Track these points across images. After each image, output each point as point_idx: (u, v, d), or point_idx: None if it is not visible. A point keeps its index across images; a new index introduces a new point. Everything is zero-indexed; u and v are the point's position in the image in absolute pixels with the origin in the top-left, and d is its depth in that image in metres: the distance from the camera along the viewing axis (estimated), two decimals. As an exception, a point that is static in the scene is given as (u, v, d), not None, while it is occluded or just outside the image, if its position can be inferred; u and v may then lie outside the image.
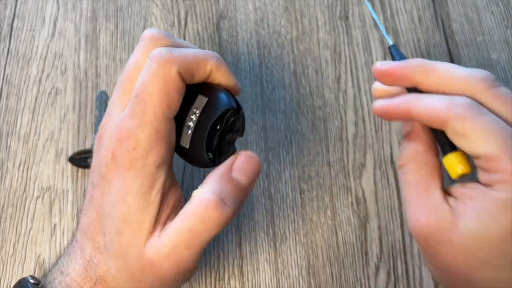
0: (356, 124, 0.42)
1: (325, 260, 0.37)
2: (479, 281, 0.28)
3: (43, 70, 0.44)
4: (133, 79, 0.29)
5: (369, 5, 0.37)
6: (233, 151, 0.30)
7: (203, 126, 0.29)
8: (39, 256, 0.37)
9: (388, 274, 0.37)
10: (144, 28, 0.45)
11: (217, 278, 0.37)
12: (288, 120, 0.42)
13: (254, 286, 0.37)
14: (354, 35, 0.45)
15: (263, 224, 0.39)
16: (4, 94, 0.43)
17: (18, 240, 0.38)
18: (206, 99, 0.29)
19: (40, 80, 0.43)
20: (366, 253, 0.38)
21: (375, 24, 0.45)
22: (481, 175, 0.28)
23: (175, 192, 0.29)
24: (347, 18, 0.46)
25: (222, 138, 0.29)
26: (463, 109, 0.27)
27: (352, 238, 0.38)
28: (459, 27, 0.45)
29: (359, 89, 0.43)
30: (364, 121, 0.42)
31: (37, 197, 0.39)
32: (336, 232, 0.38)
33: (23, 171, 0.40)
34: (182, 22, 0.46)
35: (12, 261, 0.37)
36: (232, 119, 0.30)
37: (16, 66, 0.44)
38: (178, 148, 0.30)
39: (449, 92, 0.28)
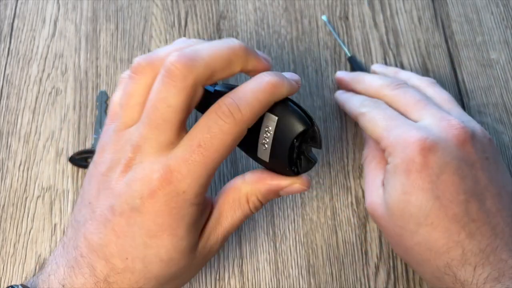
0: (356, 124, 0.42)
1: (325, 260, 0.38)
2: (409, 249, 0.33)
3: (43, 70, 0.44)
4: (167, 119, 0.28)
5: (325, 18, 0.46)
6: (315, 161, 0.29)
7: (281, 147, 0.28)
8: (40, 255, 0.37)
9: (388, 274, 0.37)
10: (144, 29, 0.45)
11: (217, 277, 0.37)
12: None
13: (254, 286, 0.37)
14: (354, 35, 0.45)
15: (263, 224, 0.39)
16: (4, 94, 0.43)
17: (19, 240, 0.38)
18: (276, 118, 0.28)
19: (40, 80, 0.43)
20: (366, 253, 0.38)
21: (375, 24, 0.45)
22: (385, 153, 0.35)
23: (209, 206, 0.31)
24: (347, 18, 0.46)
25: (300, 150, 0.29)
26: (365, 108, 0.37)
27: (352, 238, 0.38)
28: (458, 27, 0.46)
29: (359, 89, 0.43)
30: (364, 121, 0.42)
31: (38, 197, 0.39)
32: (336, 232, 0.38)
33: (23, 171, 0.40)
34: (182, 23, 0.46)
35: (12, 261, 0.37)
36: (307, 134, 0.29)
37: (16, 66, 0.44)
38: (255, 157, 0.30)
39: (370, 95, 0.39)
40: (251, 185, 0.30)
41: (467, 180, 0.32)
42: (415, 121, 0.35)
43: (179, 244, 0.28)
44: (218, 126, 0.27)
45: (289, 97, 0.29)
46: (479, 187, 0.32)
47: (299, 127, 0.28)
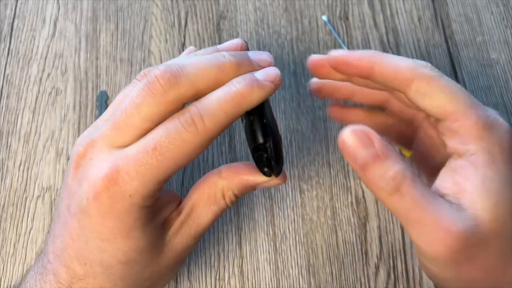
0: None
1: (325, 260, 0.37)
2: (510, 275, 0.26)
3: (43, 70, 0.44)
4: (132, 124, 0.26)
5: (326, 19, 0.44)
6: (280, 169, 0.29)
7: (250, 150, 0.28)
8: (40, 255, 0.37)
9: (388, 274, 0.37)
10: (144, 28, 0.45)
11: (217, 277, 0.37)
12: (288, 120, 0.42)
13: (254, 286, 0.37)
14: (354, 35, 0.45)
15: (263, 224, 0.39)
16: (4, 94, 0.43)
17: (19, 240, 0.38)
18: (244, 122, 0.28)
19: (40, 80, 0.43)
20: (366, 253, 0.38)
21: (375, 24, 0.45)
22: (452, 143, 0.27)
23: (174, 202, 0.30)
24: (347, 18, 0.46)
25: (269, 156, 0.28)
26: (428, 70, 0.27)
27: (352, 237, 0.38)
28: (458, 27, 0.46)
29: (359, 89, 0.43)
30: (364, 121, 0.42)
31: (38, 197, 0.39)
32: (336, 232, 0.38)
33: (23, 170, 0.40)
34: (182, 22, 0.46)
35: (12, 261, 0.37)
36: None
37: (16, 66, 0.44)
38: None
39: (398, 81, 0.28)
40: (227, 180, 0.29)
41: None
42: None
43: (137, 245, 0.27)
44: (179, 133, 0.25)
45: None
46: None
47: (254, 140, 0.27)
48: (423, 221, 0.25)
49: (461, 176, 0.26)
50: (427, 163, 0.33)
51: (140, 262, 0.28)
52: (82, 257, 0.27)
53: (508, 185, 0.25)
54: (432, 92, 0.27)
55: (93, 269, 0.27)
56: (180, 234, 0.29)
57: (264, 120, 0.27)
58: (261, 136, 0.27)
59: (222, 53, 0.27)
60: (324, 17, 0.45)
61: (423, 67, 0.27)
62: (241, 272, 0.37)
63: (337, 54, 0.29)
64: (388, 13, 0.46)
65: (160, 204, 0.28)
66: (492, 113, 0.27)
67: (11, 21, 0.46)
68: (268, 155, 0.28)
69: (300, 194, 0.40)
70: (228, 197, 0.30)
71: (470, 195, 0.25)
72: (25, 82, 0.43)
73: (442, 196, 0.26)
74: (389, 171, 0.25)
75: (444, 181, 0.27)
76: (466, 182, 0.26)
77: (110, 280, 0.27)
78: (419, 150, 0.34)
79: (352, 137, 0.25)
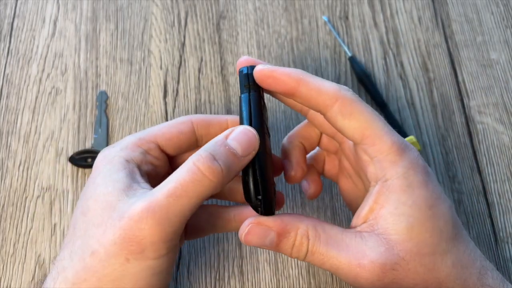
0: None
1: (325, 260, 0.37)
2: (444, 281, 0.27)
3: (43, 70, 0.44)
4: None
5: (326, 18, 0.44)
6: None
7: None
8: (39, 255, 0.37)
9: (388, 274, 0.37)
10: (144, 28, 0.45)
11: (217, 277, 0.37)
12: (288, 120, 0.42)
13: (254, 286, 0.37)
14: (354, 35, 0.45)
15: (263, 224, 0.39)
16: (4, 94, 0.43)
17: (18, 240, 0.38)
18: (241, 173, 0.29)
19: (40, 80, 0.43)
20: (366, 253, 0.38)
21: (375, 24, 0.45)
22: (370, 169, 0.28)
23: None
24: (347, 18, 0.46)
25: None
26: (350, 93, 0.28)
27: (352, 238, 0.38)
28: (459, 27, 0.46)
29: (359, 89, 0.43)
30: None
31: (37, 197, 0.39)
32: (336, 232, 0.38)
33: (23, 170, 0.40)
34: (182, 22, 0.46)
35: (12, 261, 0.37)
36: None
37: (16, 65, 0.44)
38: None
39: (322, 99, 0.28)
40: None
41: None
42: None
43: (98, 191, 0.28)
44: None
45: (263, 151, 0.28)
46: None
47: (247, 195, 0.28)
48: (339, 265, 0.27)
49: (377, 203, 0.27)
50: (347, 195, 0.34)
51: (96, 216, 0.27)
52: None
53: (424, 206, 0.27)
54: (353, 114, 0.27)
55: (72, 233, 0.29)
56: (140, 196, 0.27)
57: (258, 178, 0.28)
58: (253, 195, 0.28)
59: None
60: (324, 17, 0.45)
61: (346, 90, 0.28)
62: (241, 272, 0.37)
63: (264, 67, 0.29)
64: (388, 13, 0.46)
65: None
66: (402, 138, 0.28)
67: (11, 20, 0.46)
68: (260, 208, 0.28)
69: (300, 194, 0.39)
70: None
71: (384, 221, 0.27)
72: (25, 82, 0.43)
73: (358, 225, 0.28)
74: (294, 242, 0.27)
75: (363, 209, 0.28)
76: (381, 209, 0.27)
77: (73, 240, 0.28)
78: (340, 183, 0.35)
79: (250, 237, 0.27)
